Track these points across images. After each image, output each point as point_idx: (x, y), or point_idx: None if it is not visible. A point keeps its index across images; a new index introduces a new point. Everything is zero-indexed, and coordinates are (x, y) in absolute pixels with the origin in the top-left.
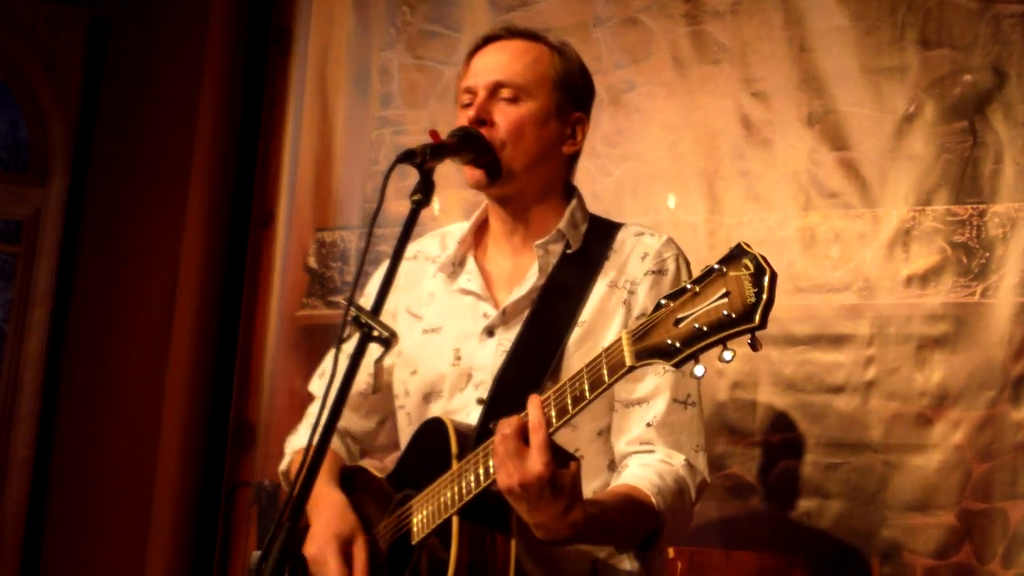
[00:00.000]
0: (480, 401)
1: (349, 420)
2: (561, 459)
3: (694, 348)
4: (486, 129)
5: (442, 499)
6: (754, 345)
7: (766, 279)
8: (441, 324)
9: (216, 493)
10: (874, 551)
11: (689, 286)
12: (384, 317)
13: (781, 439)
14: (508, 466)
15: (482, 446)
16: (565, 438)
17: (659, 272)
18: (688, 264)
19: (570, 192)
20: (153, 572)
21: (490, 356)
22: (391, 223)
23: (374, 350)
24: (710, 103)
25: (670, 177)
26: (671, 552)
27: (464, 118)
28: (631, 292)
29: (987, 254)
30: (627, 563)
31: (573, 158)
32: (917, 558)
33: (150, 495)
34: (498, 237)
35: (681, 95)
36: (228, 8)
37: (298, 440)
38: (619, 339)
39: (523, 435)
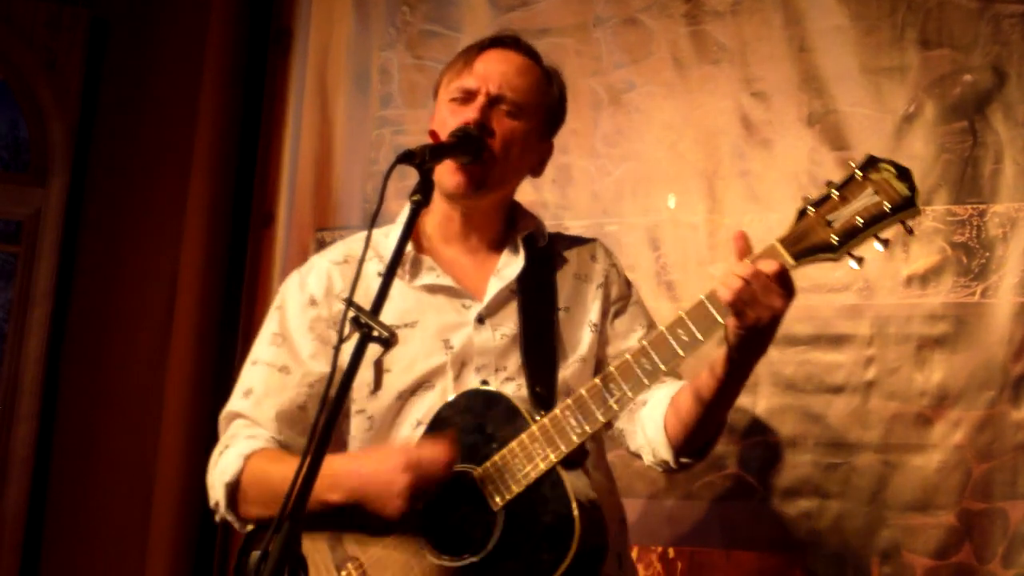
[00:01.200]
0: (484, 384)
1: (288, 437)
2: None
3: (857, 238)
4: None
5: (534, 454)
6: (911, 229)
7: (910, 175)
8: (415, 319)
9: None
10: (874, 551)
11: (834, 193)
12: (330, 323)
13: (781, 439)
14: (773, 294)
15: (570, 399)
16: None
17: (615, 265)
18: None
19: (513, 202)
20: (153, 572)
21: (490, 341)
22: (391, 223)
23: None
24: (710, 103)
25: (670, 177)
26: (671, 552)
27: (453, 112)
28: (607, 276)
29: (987, 254)
30: None
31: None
32: (917, 558)
33: (150, 495)
34: (450, 238)
35: (681, 95)
36: (228, 8)
37: (229, 464)
38: (772, 245)
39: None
